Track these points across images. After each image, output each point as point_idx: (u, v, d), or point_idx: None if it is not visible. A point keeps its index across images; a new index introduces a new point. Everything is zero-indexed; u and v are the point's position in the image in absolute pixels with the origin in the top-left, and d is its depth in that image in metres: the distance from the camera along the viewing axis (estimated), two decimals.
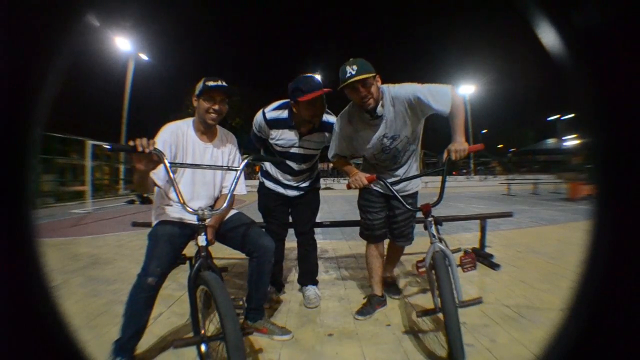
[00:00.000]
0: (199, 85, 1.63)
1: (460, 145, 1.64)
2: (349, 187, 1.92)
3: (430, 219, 1.66)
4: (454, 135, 1.69)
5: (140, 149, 1.24)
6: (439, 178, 1.73)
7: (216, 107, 1.62)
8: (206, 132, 1.71)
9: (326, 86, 1.84)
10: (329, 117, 2.02)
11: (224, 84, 1.62)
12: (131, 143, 1.25)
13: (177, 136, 1.63)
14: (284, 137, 2.01)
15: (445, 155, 1.66)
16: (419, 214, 1.81)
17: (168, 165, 1.31)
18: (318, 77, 2.09)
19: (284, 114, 1.98)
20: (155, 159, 1.31)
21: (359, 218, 2.14)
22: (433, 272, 1.55)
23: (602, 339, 0.37)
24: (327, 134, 2.04)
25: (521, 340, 1.63)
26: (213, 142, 1.74)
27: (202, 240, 1.35)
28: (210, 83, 1.59)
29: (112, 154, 15.28)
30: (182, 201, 1.30)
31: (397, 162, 1.93)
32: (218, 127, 1.76)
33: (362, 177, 1.84)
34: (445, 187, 1.70)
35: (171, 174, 1.31)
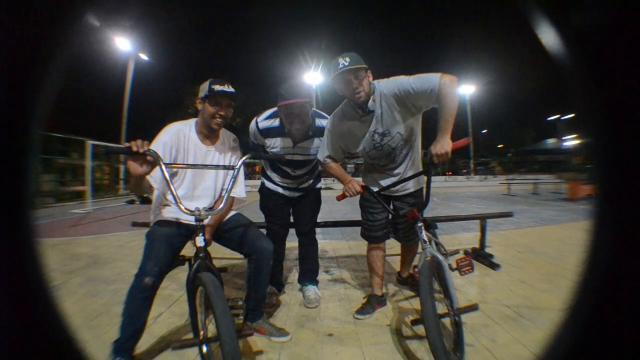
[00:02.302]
0: (204, 87, 1.57)
1: (442, 148, 1.51)
2: (342, 197, 1.83)
3: (419, 224, 1.60)
4: (438, 133, 1.55)
5: (135, 148, 1.24)
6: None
7: (222, 112, 1.58)
8: (209, 135, 1.67)
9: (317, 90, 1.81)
10: (323, 122, 1.99)
11: (231, 88, 1.56)
12: (126, 144, 1.25)
13: (178, 138, 1.59)
14: (278, 145, 1.99)
15: (428, 158, 1.58)
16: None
17: (164, 166, 1.29)
18: (310, 81, 2.07)
19: (276, 122, 1.95)
20: (150, 159, 1.29)
21: (359, 218, 2.13)
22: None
23: (602, 339, 0.37)
24: (321, 139, 2.00)
25: (521, 340, 1.63)
26: (215, 145, 1.69)
27: (200, 241, 1.33)
28: (217, 87, 1.53)
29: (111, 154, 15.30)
30: (177, 201, 1.28)
31: (394, 161, 1.88)
32: (222, 129, 1.71)
33: (356, 185, 1.80)
34: (430, 188, 1.67)
35: (167, 175, 1.29)
